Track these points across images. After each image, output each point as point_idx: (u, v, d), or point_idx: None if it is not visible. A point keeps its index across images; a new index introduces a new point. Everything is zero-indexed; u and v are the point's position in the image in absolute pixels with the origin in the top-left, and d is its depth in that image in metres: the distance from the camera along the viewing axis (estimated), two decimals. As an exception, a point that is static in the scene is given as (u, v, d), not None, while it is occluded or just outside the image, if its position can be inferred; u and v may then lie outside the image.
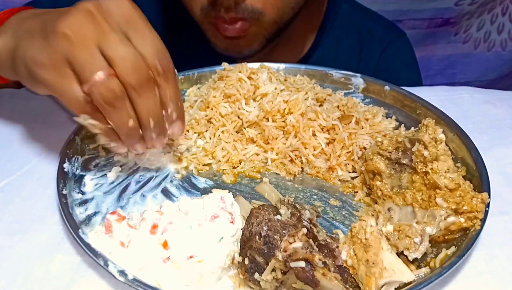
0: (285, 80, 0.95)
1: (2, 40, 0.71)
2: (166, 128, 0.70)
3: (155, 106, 0.66)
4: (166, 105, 0.67)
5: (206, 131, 0.86)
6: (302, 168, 0.81)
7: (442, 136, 0.66)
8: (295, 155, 0.80)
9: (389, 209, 0.67)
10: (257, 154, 0.82)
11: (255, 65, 0.98)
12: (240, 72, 0.91)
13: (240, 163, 0.81)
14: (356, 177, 0.78)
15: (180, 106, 0.69)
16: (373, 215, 0.68)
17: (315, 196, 0.76)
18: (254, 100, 0.87)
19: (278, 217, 0.59)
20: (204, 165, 0.81)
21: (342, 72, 1.00)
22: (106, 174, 0.77)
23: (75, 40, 0.60)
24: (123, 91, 0.62)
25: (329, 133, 0.82)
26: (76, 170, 0.77)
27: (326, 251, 0.58)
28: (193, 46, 1.18)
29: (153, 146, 0.71)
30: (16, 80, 0.72)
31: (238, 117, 0.85)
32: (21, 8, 0.78)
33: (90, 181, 0.76)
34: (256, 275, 0.57)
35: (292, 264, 0.54)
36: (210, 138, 0.85)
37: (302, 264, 0.53)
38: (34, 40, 0.64)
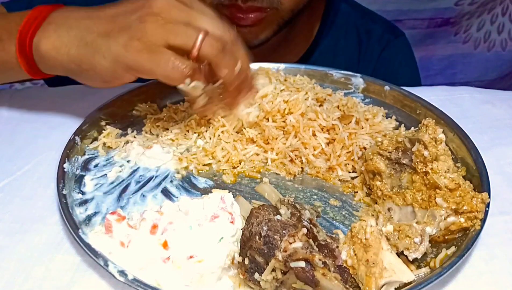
0: (285, 80, 0.95)
1: (55, 38, 0.74)
2: (248, 77, 0.81)
3: (245, 57, 0.76)
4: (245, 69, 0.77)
5: (206, 131, 0.85)
6: (302, 168, 0.80)
7: (442, 136, 0.66)
8: (295, 155, 0.80)
9: (389, 209, 0.67)
10: (257, 154, 0.82)
11: (255, 66, 0.98)
12: None
13: (240, 163, 0.81)
14: (356, 177, 0.78)
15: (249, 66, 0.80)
16: (373, 215, 0.68)
17: (315, 196, 0.76)
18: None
19: (278, 217, 0.59)
20: (204, 165, 0.81)
21: (342, 72, 1.00)
22: (106, 174, 0.77)
23: (166, 22, 0.69)
24: (224, 42, 0.72)
25: (329, 133, 0.82)
26: (76, 170, 0.77)
27: (326, 251, 0.58)
28: None
29: (243, 97, 0.82)
30: (65, 75, 0.77)
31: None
32: (52, 6, 0.80)
33: (90, 181, 0.76)
34: (256, 275, 0.57)
35: (292, 264, 0.54)
36: (210, 138, 0.85)
37: (302, 264, 0.53)
38: (114, 35, 0.70)
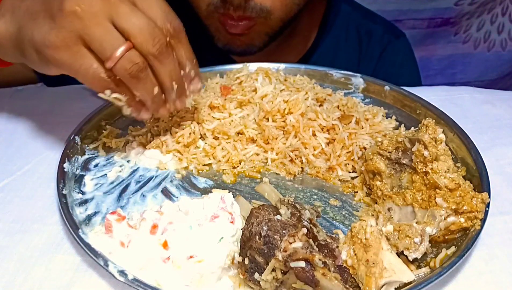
0: (285, 80, 0.95)
1: (2, 23, 0.68)
2: (185, 88, 0.71)
3: (175, 69, 0.67)
4: (184, 65, 0.68)
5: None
6: (302, 168, 0.80)
7: (442, 136, 0.66)
8: (295, 155, 0.80)
9: (389, 209, 0.67)
10: (257, 154, 0.82)
11: (255, 66, 0.98)
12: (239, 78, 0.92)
13: (240, 163, 0.81)
14: (356, 177, 0.78)
15: (195, 63, 0.71)
16: (373, 215, 0.68)
17: (315, 196, 0.76)
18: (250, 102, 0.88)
19: (278, 217, 0.59)
20: (204, 165, 0.81)
21: (342, 72, 1.01)
22: (106, 174, 0.77)
23: (87, 17, 0.60)
24: (145, 61, 0.63)
25: (329, 133, 0.82)
26: (76, 170, 0.77)
27: (326, 251, 0.58)
28: (194, 44, 1.19)
29: (176, 107, 0.73)
30: (21, 62, 0.71)
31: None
32: None
33: (90, 181, 0.76)
34: (256, 275, 0.57)
35: (292, 264, 0.54)
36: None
37: (302, 264, 0.53)
38: (39, 21, 0.62)
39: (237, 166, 0.81)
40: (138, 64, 0.62)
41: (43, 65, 0.66)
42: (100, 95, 0.66)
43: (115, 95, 0.66)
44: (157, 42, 0.62)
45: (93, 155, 0.81)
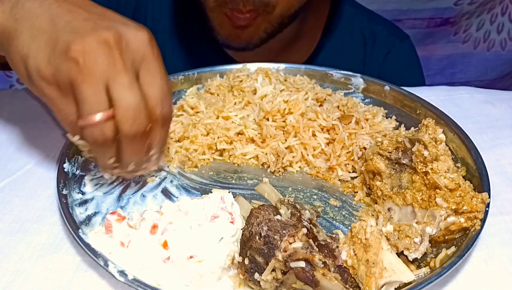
0: (285, 80, 0.95)
1: None
2: (142, 166, 0.69)
3: (140, 154, 0.65)
4: (151, 147, 0.66)
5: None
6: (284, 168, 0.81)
7: (442, 136, 0.66)
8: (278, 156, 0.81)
9: (389, 209, 0.67)
10: (257, 155, 0.82)
11: (255, 66, 0.98)
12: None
13: (239, 163, 0.82)
14: (356, 177, 0.78)
15: (162, 150, 0.70)
16: (373, 215, 0.68)
17: (315, 196, 0.76)
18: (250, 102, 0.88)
19: (278, 217, 0.59)
20: (203, 164, 0.81)
21: (342, 72, 1.00)
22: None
23: (85, 72, 0.58)
24: (114, 137, 0.61)
25: (329, 133, 0.82)
26: (76, 170, 0.77)
27: (326, 251, 0.58)
28: (194, 41, 1.19)
29: (123, 175, 0.72)
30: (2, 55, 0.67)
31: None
32: None
33: (90, 181, 0.76)
34: (256, 275, 0.57)
35: (292, 264, 0.54)
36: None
37: (302, 264, 0.53)
38: (39, 43, 0.60)
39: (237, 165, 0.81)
40: (106, 138, 0.61)
41: (26, 82, 0.64)
42: (68, 136, 0.65)
43: (80, 142, 0.64)
44: (137, 126, 0.61)
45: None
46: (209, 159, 0.83)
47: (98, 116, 0.59)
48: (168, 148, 0.81)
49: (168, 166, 0.81)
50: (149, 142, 0.65)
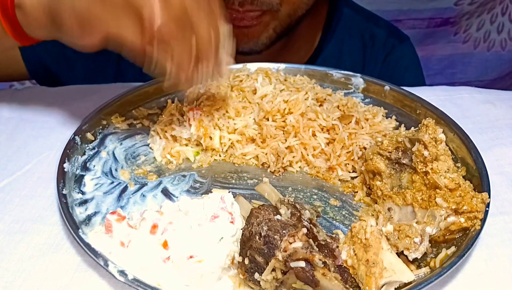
0: (285, 80, 0.95)
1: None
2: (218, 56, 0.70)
3: (215, 25, 0.67)
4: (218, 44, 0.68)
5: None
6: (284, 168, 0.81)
7: (442, 136, 0.66)
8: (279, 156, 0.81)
9: (389, 209, 0.67)
10: (256, 155, 0.82)
11: (255, 66, 0.98)
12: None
13: (240, 163, 0.82)
14: (356, 177, 0.78)
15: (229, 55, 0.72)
16: (373, 215, 0.68)
17: (315, 196, 0.76)
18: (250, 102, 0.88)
19: (278, 217, 0.59)
20: (203, 163, 0.81)
21: (342, 72, 1.00)
22: (106, 174, 0.77)
23: None
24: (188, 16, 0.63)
25: (329, 133, 0.82)
26: (76, 170, 0.77)
27: (326, 251, 0.58)
28: None
29: (218, 74, 0.72)
30: (51, 38, 0.71)
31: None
32: None
33: (90, 181, 0.76)
34: (256, 275, 0.57)
35: (292, 264, 0.54)
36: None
37: (302, 264, 0.53)
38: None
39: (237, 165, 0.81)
40: (185, 12, 0.63)
41: (85, 34, 0.66)
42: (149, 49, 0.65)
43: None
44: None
45: (93, 155, 0.81)
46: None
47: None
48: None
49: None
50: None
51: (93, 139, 0.84)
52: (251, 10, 0.98)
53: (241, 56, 1.09)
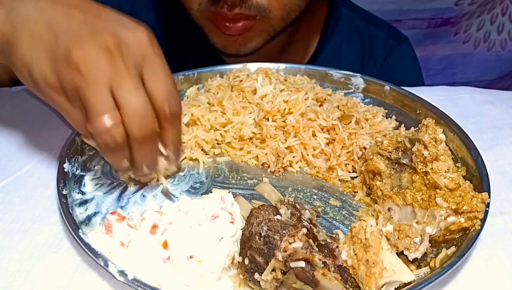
0: (285, 80, 0.95)
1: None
2: (156, 168, 0.71)
3: (152, 155, 0.67)
4: (166, 146, 0.68)
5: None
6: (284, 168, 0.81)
7: (442, 136, 0.66)
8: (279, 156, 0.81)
9: (389, 209, 0.67)
10: (256, 155, 0.83)
11: (255, 66, 0.98)
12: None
13: (240, 162, 0.82)
14: (356, 177, 0.78)
15: (178, 148, 0.71)
16: (373, 215, 0.68)
17: (315, 196, 0.76)
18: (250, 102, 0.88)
19: (278, 217, 0.59)
20: (203, 163, 0.81)
21: (342, 72, 1.00)
22: (106, 174, 0.77)
23: (87, 78, 0.58)
24: (125, 139, 0.61)
25: (329, 133, 0.82)
26: (76, 170, 0.77)
27: (326, 251, 0.58)
28: (191, 46, 1.18)
29: (139, 178, 0.73)
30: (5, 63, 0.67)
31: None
32: None
33: (90, 181, 0.76)
34: (256, 275, 0.57)
35: (292, 264, 0.54)
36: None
37: (302, 264, 0.53)
38: (39, 50, 0.60)
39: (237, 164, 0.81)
40: (117, 143, 0.61)
41: (32, 88, 0.64)
42: (82, 138, 0.68)
43: (94, 143, 0.65)
44: (145, 128, 0.61)
45: (93, 155, 0.81)
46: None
47: (106, 120, 0.59)
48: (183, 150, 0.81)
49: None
50: (162, 140, 0.67)
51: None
52: (241, 17, 0.94)
53: (233, 58, 1.07)
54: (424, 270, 0.60)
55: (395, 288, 0.57)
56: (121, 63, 0.59)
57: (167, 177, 0.77)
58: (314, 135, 0.82)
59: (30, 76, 0.61)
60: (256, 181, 0.79)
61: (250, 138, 0.84)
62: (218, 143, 0.85)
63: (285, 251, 0.54)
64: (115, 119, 0.59)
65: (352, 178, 0.79)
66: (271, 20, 0.97)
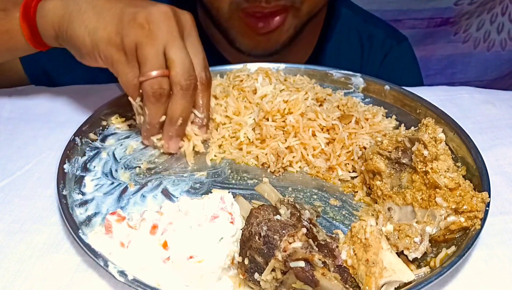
0: (285, 80, 0.95)
1: (52, 4, 0.77)
2: (184, 132, 0.80)
3: (188, 108, 0.77)
4: (200, 109, 0.79)
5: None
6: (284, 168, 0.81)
7: (442, 136, 0.66)
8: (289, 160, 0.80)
9: (389, 209, 0.67)
10: (256, 155, 0.83)
11: (255, 66, 0.98)
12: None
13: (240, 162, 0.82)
14: (356, 177, 0.78)
15: (209, 112, 0.81)
16: (373, 215, 0.68)
17: (315, 196, 0.76)
18: (251, 102, 0.88)
19: (278, 217, 0.59)
20: (203, 162, 0.81)
21: (342, 72, 1.01)
22: (106, 175, 0.77)
23: (149, 35, 0.70)
24: (169, 91, 0.73)
25: (329, 133, 0.82)
26: (76, 171, 0.77)
27: (326, 251, 0.58)
28: None
29: (164, 146, 0.80)
30: (57, 46, 0.80)
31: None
32: None
33: (90, 181, 0.76)
34: (256, 275, 0.57)
35: (292, 264, 0.54)
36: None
37: (301, 264, 0.53)
38: (106, 18, 0.72)
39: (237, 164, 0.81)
40: (163, 89, 0.72)
41: (88, 53, 0.74)
42: (129, 99, 0.76)
43: (139, 103, 0.76)
44: (189, 79, 0.73)
45: (93, 156, 0.81)
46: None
47: (157, 72, 0.71)
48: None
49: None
50: (197, 104, 0.78)
51: (97, 138, 0.84)
52: (275, 11, 0.98)
53: (256, 58, 1.09)
54: (424, 269, 0.60)
55: (395, 288, 0.57)
56: (176, 28, 0.72)
57: (194, 154, 0.83)
58: (314, 135, 0.82)
59: (91, 39, 0.73)
60: (256, 181, 0.79)
61: (251, 141, 0.84)
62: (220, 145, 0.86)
63: (285, 251, 0.54)
64: (165, 73, 0.72)
65: (352, 178, 0.79)
66: (300, 13, 1.02)
